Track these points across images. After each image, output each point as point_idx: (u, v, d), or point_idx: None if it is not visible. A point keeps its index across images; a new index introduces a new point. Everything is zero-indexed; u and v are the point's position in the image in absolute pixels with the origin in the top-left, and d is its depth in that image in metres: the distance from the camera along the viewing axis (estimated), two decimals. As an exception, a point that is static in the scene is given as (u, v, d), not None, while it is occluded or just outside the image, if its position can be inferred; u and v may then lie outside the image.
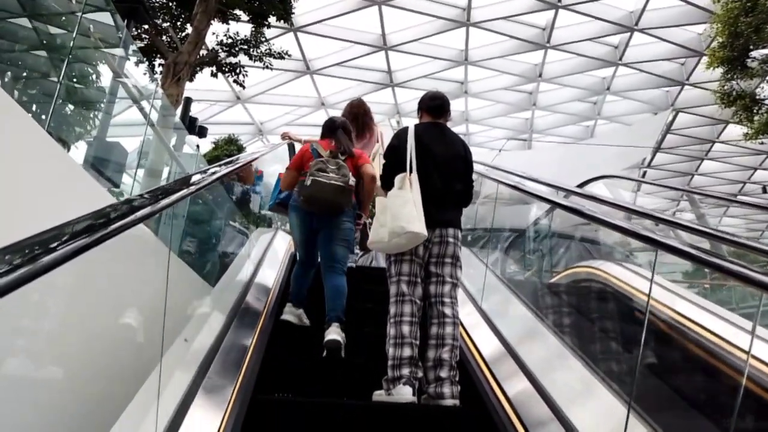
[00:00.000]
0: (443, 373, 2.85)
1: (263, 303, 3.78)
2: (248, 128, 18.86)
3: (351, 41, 15.78)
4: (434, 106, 3.35)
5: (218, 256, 4.42)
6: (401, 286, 3.02)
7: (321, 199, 3.53)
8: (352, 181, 3.62)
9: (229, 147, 15.09)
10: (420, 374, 2.88)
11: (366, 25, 15.44)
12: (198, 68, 8.35)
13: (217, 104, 17.39)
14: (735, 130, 20.43)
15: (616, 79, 18.11)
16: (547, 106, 19.67)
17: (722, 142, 21.15)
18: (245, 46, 8.56)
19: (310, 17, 14.59)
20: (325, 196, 3.52)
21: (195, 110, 17.19)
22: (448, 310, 3.00)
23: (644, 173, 22.76)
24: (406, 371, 2.81)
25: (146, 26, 7.70)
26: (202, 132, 9.18)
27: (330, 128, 4.01)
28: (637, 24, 15.17)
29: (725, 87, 9.48)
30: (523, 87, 18.80)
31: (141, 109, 5.06)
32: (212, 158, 14.64)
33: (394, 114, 19.01)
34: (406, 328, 2.91)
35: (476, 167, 3.48)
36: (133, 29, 7.44)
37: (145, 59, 8.07)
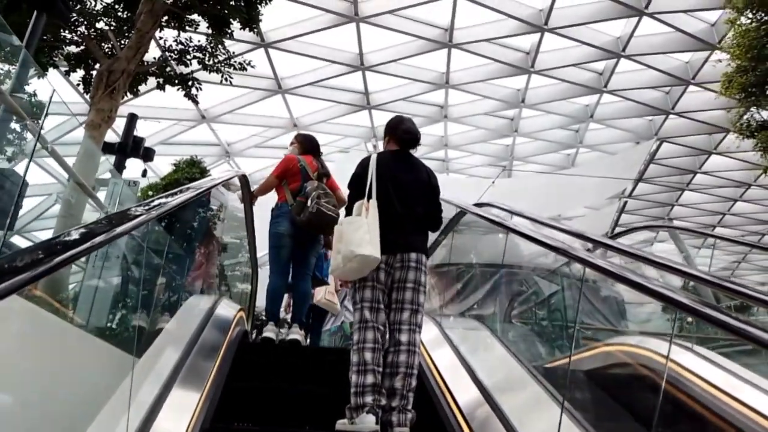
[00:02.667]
0: (394, 403, 2.87)
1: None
2: (213, 149, 17.65)
3: (326, 60, 14.83)
4: (407, 140, 3.41)
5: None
6: (364, 312, 3.02)
7: (319, 225, 4.18)
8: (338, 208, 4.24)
9: (191, 170, 13.88)
10: (383, 401, 2.86)
11: (342, 43, 14.54)
12: (141, 79, 7.17)
13: (180, 123, 16.17)
14: (718, 161, 20.13)
15: (600, 107, 17.56)
16: (528, 132, 19.00)
17: (705, 173, 20.79)
18: (200, 55, 7.41)
19: (283, 33, 13.63)
20: (323, 224, 4.16)
21: (155, 129, 16.01)
22: (403, 338, 2.99)
23: (625, 203, 22.29)
24: (369, 399, 2.80)
25: (82, 28, 6.53)
26: (148, 154, 7.97)
27: (313, 145, 4.64)
28: (624, 50, 14.60)
29: (744, 117, 8.68)
30: (504, 113, 18.11)
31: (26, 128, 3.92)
32: (171, 181, 13.44)
33: (371, 137, 18.06)
34: (368, 355, 2.90)
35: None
36: (66, 32, 6.32)
37: (76, 69, 6.92)
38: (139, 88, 7.50)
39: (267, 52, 13.93)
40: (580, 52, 14.95)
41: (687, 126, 18.21)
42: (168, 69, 7.49)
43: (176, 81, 7.46)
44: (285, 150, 17.29)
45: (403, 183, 3.23)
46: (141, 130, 16.09)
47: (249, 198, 4.63)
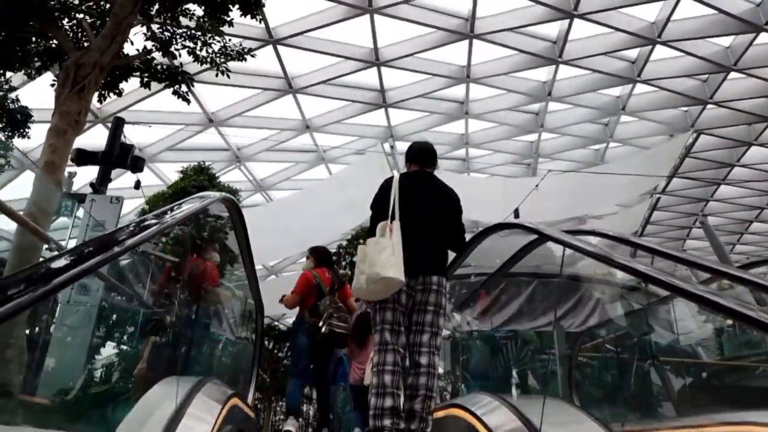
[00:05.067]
0: (413, 425, 2.87)
1: None
2: (223, 155, 16.78)
3: (339, 55, 13.87)
4: (418, 156, 3.48)
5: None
6: (384, 334, 3.05)
7: (332, 344, 4.76)
8: (348, 322, 4.79)
9: (198, 177, 13.10)
10: (402, 425, 2.87)
11: (356, 37, 13.58)
12: (121, 75, 6.19)
13: (187, 128, 15.32)
14: (757, 153, 18.86)
15: (632, 98, 16.40)
16: (555, 127, 17.87)
17: (743, 166, 19.52)
18: (190, 44, 6.42)
19: (292, 28, 12.71)
20: (335, 342, 4.75)
21: (161, 135, 15.21)
22: (423, 360, 3.00)
23: (657, 200, 21.10)
24: (387, 422, 2.81)
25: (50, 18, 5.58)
26: (137, 164, 7.02)
27: (325, 257, 5.14)
28: (659, 36, 13.48)
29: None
30: (529, 107, 17.01)
31: None
32: (178, 190, 12.64)
33: (387, 137, 17.08)
34: (387, 378, 2.91)
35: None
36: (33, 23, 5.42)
37: (48, 66, 6.01)
38: (122, 87, 6.52)
39: (276, 49, 13.02)
40: (612, 39, 13.84)
41: (726, 116, 17.01)
42: (156, 63, 6.53)
43: (163, 76, 6.49)
44: (297, 153, 16.23)
45: (426, 206, 3.24)
46: (145, 135, 15.37)
47: (244, 229, 3.77)
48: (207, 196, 2.80)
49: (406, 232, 3.06)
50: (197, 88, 13.92)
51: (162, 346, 3.64)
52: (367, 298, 3.30)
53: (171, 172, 15.21)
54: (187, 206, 2.32)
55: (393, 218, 3.08)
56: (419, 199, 3.23)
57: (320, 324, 4.53)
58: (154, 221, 1.90)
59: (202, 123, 15.23)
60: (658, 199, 20.68)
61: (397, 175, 3.31)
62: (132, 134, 14.56)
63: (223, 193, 3.18)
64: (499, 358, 5.60)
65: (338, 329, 4.58)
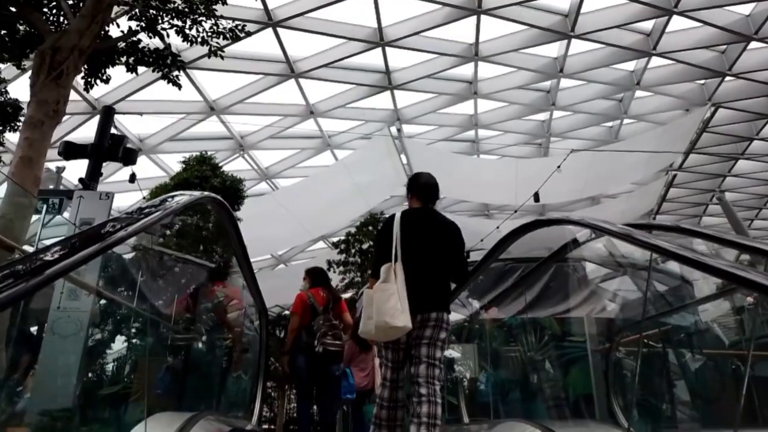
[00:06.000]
0: None
1: None
2: (226, 143, 16.37)
3: (342, 37, 13.36)
4: (426, 191, 3.54)
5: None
6: (387, 371, 3.32)
7: (327, 362, 5.01)
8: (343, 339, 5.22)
9: (201, 167, 12.71)
10: None
11: (359, 17, 13.07)
12: (105, 59, 5.73)
13: (188, 117, 14.90)
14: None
15: (648, 72, 15.76)
16: (567, 105, 17.27)
17: (762, 140, 18.87)
18: (178, 22, 5.93)
19: (292, 9, 12.20)
20: (329, 360, 5.03)
21: (160, 125, 14.82)
22: (423, 390, 3.13)
23: (674, 177, 20.52)
24: None
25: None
26: (129, 156, 6.59)
27: (321, 277, 5.45)
28: (676, 6, 12.85)
29: None
30: (540, 85, 16.43)
31: None
32: (180, 181, 12.27)
33: (394, 121, 16.58)
34: (384, 413, 3.23)
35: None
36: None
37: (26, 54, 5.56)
38: (122, 76, 6.10)
39: (276, 32, 12.53)
40: (626, 10, 13.24)
41: (745, 88, 16.36)
42: (143, 46, 6.07)
43: (150, 59, 6.02)
44: (302, 139, 15.80)
45: (427, 244, 3.31)
46: (146, 126, 14.99)
47: (236, 231, 3.43)
48: (187, 196, 2.38)
49: (408, 272, 3.16)
50: (197, 75, 13.51)
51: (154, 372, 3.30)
52: (373, 339, 3.68)
53: (174, 163, 14.86)
54: (157, 212, 1.93)
55: (396, 259, 3.18)
56: (422, 237, 3.31)
57: (314, 343, 4.76)
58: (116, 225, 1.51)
59: (203, 111, 14.82)
60: (675, 175, 20.09)
61: (398, 214, 3.40)
62: (132, 125, 14.22)
63: (205, 193, 2.79)
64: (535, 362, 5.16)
65: (332, 347, 4.80)
